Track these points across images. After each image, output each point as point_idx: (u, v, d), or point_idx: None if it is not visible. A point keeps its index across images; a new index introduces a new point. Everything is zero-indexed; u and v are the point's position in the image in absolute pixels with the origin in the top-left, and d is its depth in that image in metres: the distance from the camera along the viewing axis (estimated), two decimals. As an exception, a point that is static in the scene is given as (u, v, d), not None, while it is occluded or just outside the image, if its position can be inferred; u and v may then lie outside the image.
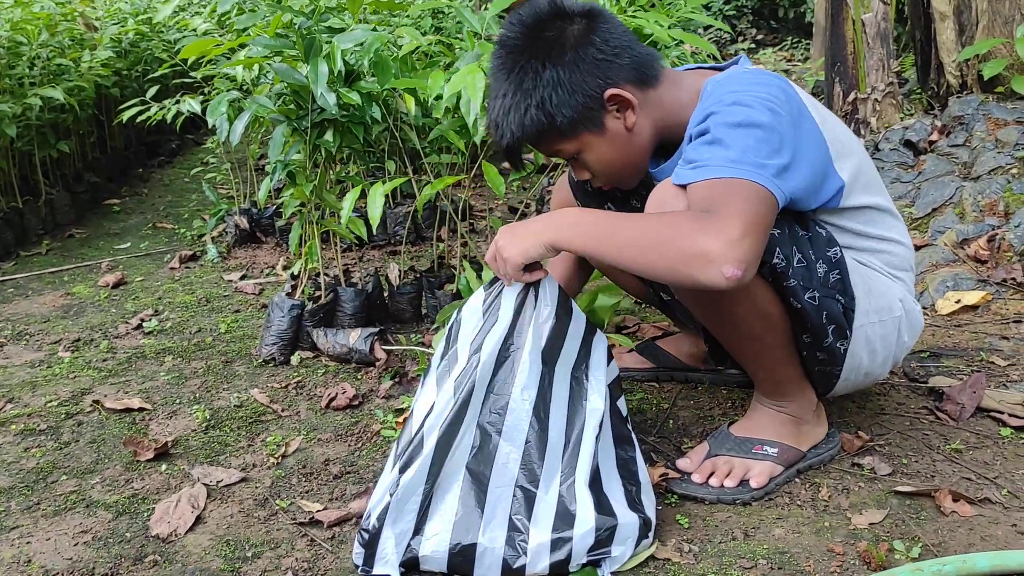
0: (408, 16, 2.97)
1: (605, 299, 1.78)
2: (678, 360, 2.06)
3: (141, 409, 2.01)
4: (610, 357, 1.54)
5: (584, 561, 1.36)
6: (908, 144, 3.25)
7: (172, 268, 3.14)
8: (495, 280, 1.47)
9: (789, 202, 1.38)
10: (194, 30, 3.38)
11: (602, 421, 1.44)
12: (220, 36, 3.02)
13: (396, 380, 2.11)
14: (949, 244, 2.63)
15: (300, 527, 1.53)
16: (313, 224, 2.29)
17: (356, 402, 2.00)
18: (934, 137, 3.20)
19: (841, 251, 1.52)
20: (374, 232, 3.18)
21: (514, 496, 1.38)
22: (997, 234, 2.55)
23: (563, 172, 2.68)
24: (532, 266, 1.43)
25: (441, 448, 1.37)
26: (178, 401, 2.05)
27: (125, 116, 3.12)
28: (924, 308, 2.41)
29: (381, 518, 1.36)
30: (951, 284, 2.45)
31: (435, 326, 2.35)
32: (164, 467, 1.75)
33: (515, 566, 1.34)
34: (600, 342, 1.51)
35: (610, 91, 1.47)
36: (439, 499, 1.37)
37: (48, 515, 1.59)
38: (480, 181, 3.71)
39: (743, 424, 1.68)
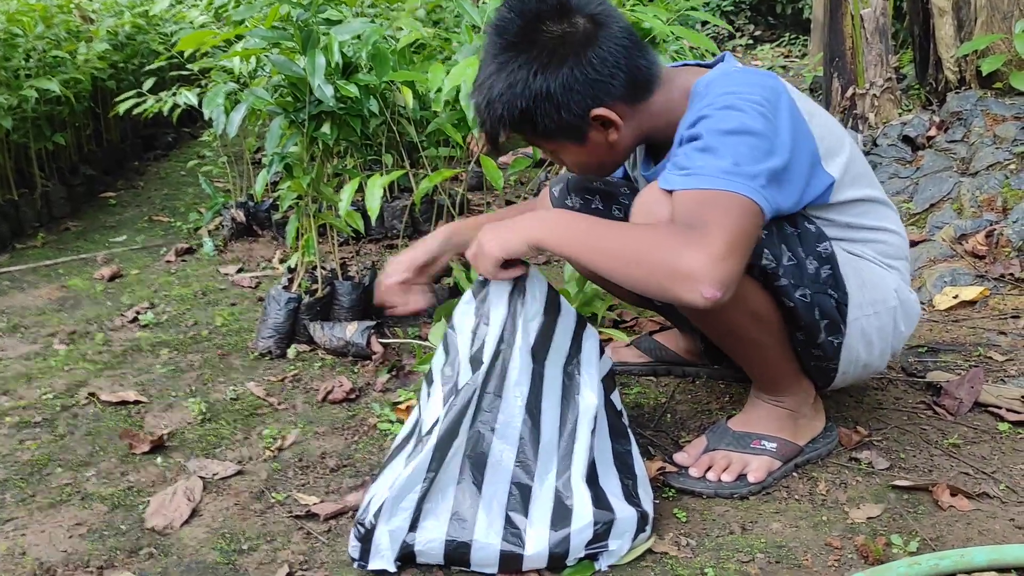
0: (406, 10, 2.96)
1: (598, 303, 1.78)
2: (676, 354, 2.06)
3: (137, 402, 2.00)
4: (602, 351, 1.54)
5: (581, 555, 1.36)
6: (906, 140, 3.25)
7: (168, 261, 3.13)
8: (485, 282, 1.45)
9: (778, 207, 1.37)
10: (191, 22, 3.37)
11: (596, 415, 1.44)
12: (217, 28, 3.01)
13: (393, 374, 2.10)
14: (947, 239, 2.63)
15: (296, 520, 1.53)
16: (310, 217, 2.29)
17: (353, 395, 2.00)
18: (932, 133, 3.20)
19: (831, 245, 1.51)
20: (372, 225, 3.18)
21: (510, 493, 1.37)
22: (995, 229, 2.55)
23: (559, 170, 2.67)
24: (512, 264, 1.41)
25: (440, 447, 1.36)
26: (174, 394, 2.04)
27: (121, 109, 3.11)
28: (922, 303, 2.41)
29: (377, 514, 1.35)
30: (949, 279, 2.44)
31: (433, 320, 2.34)
32: (160, 460, 1.74)
33: (512, 559, 1.34)
34: (591, 336, 1.50)
35: (597, 111, 1.44)
36: (435, 497, 1.37)
37: (43, 507, 1.59)
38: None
39: (741, 418, 1.67)
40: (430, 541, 1.35)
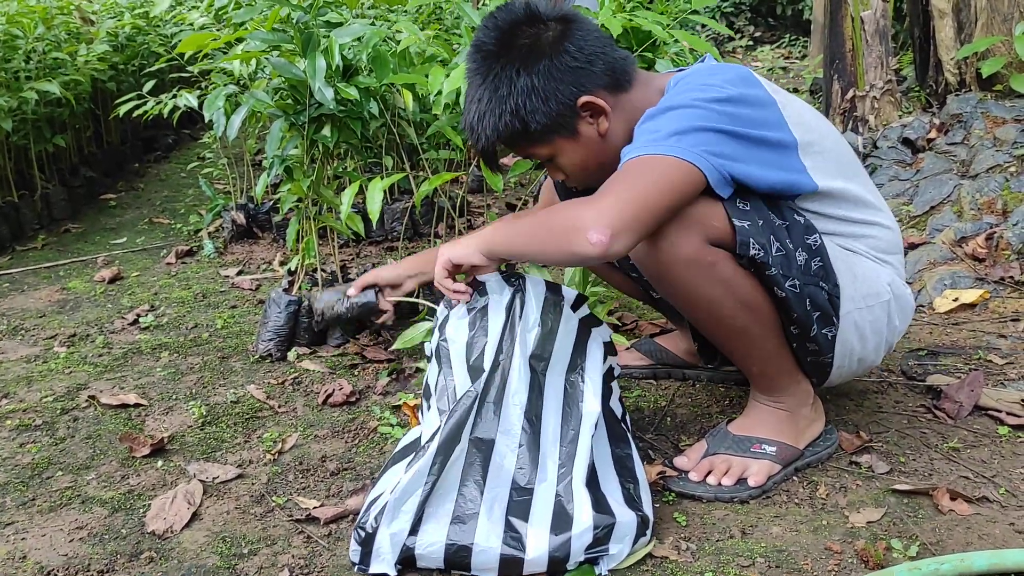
0: (406, 11, 2.96)
1: (598, 308, 1.79)
2: (676, 356, 2.06)
3: (137, 405, 2.00)
4: (610, 353, 1.54)
5: (582, 559, 1.36)
6: (906, 142, 3.25)
7: (168, 263, 3.13)
8: (483, 293, 1.50)
9: (724, 166, 1.40)
10: (191, 24, 3.37)
11: (597, 422, 1.44)
12: (217, 30, 3.01)
13: (393, 377, 2.10)
14: (947, 242, 2.63)
15: (296, 524, 1.53)
16: (310, 220, 2.29)
17: (353, 398, 2.00)
18: (932, 135, 3.20)
19: (821, 238, 1.52)
20: (372, 228, 3.18)
21: (510, 498, 1.38)
22: (995, 232, 2.55)
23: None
24: (473, 284, 1.49)
25: (441, 452, 1.37)
26: (174, 397, 2.04)
27: (121, 111, 3.11)
28: (922, 306, 2.41)
29: (378, 518, 1.36)
30: (949, 282, 2.44)
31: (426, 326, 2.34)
32: (160, 463, 1.74)
33: (512, 563, 1.34)
34: (597, 341, 1.51)
35: (583, 99, 1.49)
36: (436, 501, 1.37)
37: (43, 511, 1.59)
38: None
39: (741, 422, 1.67)
40: (431, 545, 1.35)
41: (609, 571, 1.37)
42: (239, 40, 2.46)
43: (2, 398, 2.05)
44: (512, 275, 1.49)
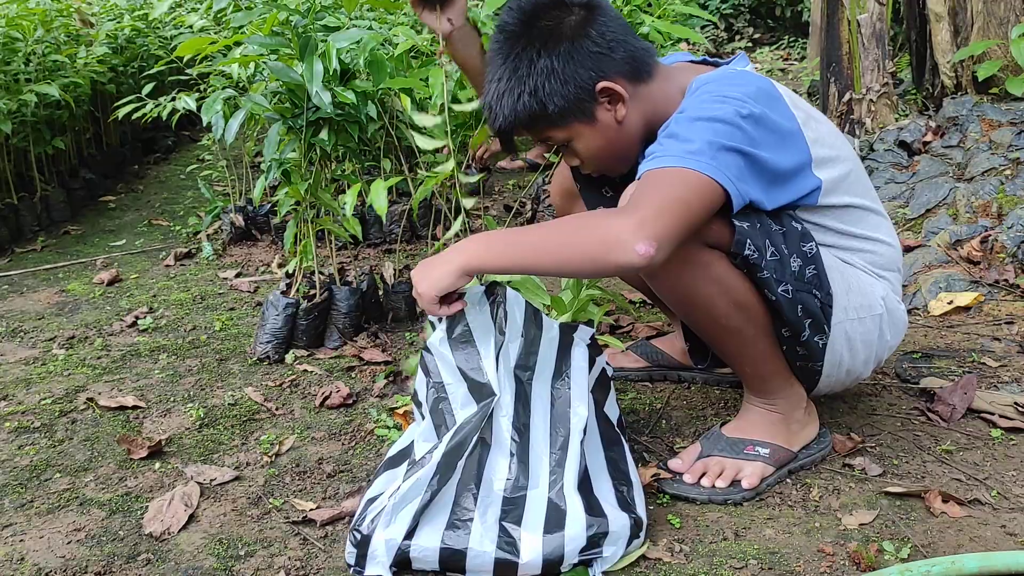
0: (406, 15, 2.97)
1: (593, 309, 1.80)
2: (672, 358, 2.07)
3: (135, 407, 2.01)
4: (597, 353, 1.55)
5: (576, 561, 1.37)
6: (902, 145, 3.26)
7: (167, 265, 3.14)
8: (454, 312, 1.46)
9: (747, 191, 1.41)
10: (190, 27, 3.38)
11: (587, 426, 1.46)
12: (216, 33, 3.02)
13: (390, 379, 2.11)
14: (942, 245, 2.64)
15: (293, 526, 1.54)
16: (308, 223, 2.30)
17: (350, 401, 2.01)
18: (928, 138, 3.21)
19: (817, 247, 1.53)
20: (370, 231, 3.19)
21: (503, 505, 1.39)
22: (990, 235, 2.56)
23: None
24: (450, 297, 1.43)
25: (445, 462, 1.38)
26: (172, 399, 2.05)
27: (121, 113, 3.12)
28: (917, 309, 2.42)
29: (375, 521, 1.37)
30: (944, 285, 2.45)
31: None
32: (158, 465, 1.75)
33: (507, 566, 1.35)
34: (580, 344, 1.52)
35: (602, 84, 1.50)
36: (434, 511, 1.39)
37: (41, 513, 1.60)
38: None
39: (735, 424, 1.68)
40: (426, 548, 1.36)
41: (603, 573, 1.38)
42: (238, 44, 2.47)
43: (1, 400, 2.06)
44: (492, 286, 1.50)
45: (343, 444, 1.83)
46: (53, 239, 3.50)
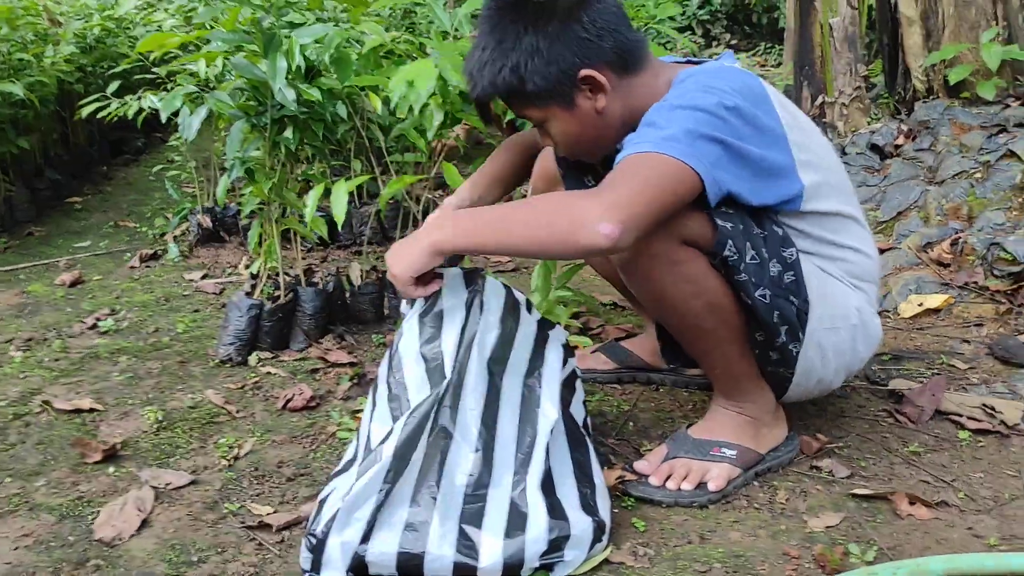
0: (379, 14, 2.94)
1: (561, 311, 1.78)
2: (642, 360, 2.05)
3: (92, 410, 1.96)
4: (569, 355, 1.52)
5: (536, 565, 1.34)
6: (874, 148, 3.26)
7: (132, 267, 3.08)
8: (437, 293, 1.44)
9: (724, 181, 1.38)
10: (159, 26, 3.33)
11: (554, 427, 1.42)
12: (187, 31, 2.97)
13: (355, 382, 2.07)
14: (913, 248, 2.63)
15: (248, 531, 1.49)
16: (272, 223, 2.26)
17: (313, 403, 1.96)
18: (900, 141, 3.22)
19: (797, 253, 1.51)
20: (339, 231, 3.15)
21: (464, 505, 1.35)
22: (960, 238, 2.56)
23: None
24: (426, 278, 1.41)
25: (397, 459, 1.34)
26: (130, 402, 2.00)
27: (85, 112, 3.07)
28: (887, 311, 2.41)
29: (329, 524, 1.33)
30: (914, 287, 2.45)
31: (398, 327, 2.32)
32: (112, 469, 1.70)
33: (466, 570, 1.32)
34: (555, 344, 1.49)
35: (585, 72, 1.46)
36: (390, 508, 1.34)
37: (-11, 518, 1.55)
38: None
39: (702, 426, 1.66)
40: (383, 553, 1.32)
41: (564, 577, 1.35)
42: (207, 42, 2.43)
43: (-47, 403, 2.01)
44: (472, 272, 1.46)
45: (304, 447, 1.79)
46: (16, 240, 3.43)
